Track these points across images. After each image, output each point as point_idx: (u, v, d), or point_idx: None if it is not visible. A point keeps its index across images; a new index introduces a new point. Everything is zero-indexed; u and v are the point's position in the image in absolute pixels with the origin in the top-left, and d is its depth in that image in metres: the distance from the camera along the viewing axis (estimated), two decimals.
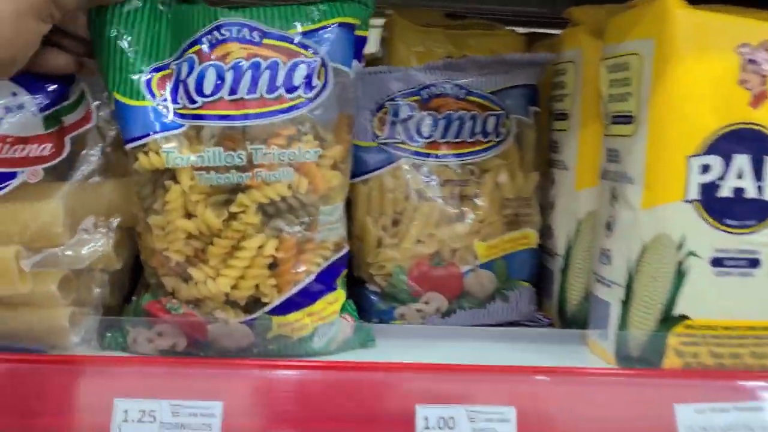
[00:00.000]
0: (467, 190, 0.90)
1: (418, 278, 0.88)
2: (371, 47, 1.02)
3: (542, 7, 1.09)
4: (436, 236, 0.89)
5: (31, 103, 0.72)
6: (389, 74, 0.87)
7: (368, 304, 0.89)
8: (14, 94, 0.72)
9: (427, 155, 0.88)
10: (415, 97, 0.88)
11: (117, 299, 0.77)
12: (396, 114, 0.88)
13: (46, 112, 0.72)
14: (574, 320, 0.91)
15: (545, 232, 0.96)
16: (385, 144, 0.88)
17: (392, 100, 0.87)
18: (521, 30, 1.02)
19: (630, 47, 0.77)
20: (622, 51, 0.78)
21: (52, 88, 0.73)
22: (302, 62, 0.69)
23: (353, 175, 0.84)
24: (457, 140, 0.89)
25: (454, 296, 0.90)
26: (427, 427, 0.70)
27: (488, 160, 0.91)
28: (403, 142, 0.88)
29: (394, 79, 0.87)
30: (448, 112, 0.88)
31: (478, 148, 0.90)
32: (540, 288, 0.96)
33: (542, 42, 1.01)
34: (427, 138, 0.88)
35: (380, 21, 1.02)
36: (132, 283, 0.79)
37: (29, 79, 0.72)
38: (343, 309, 0.77)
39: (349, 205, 0.87)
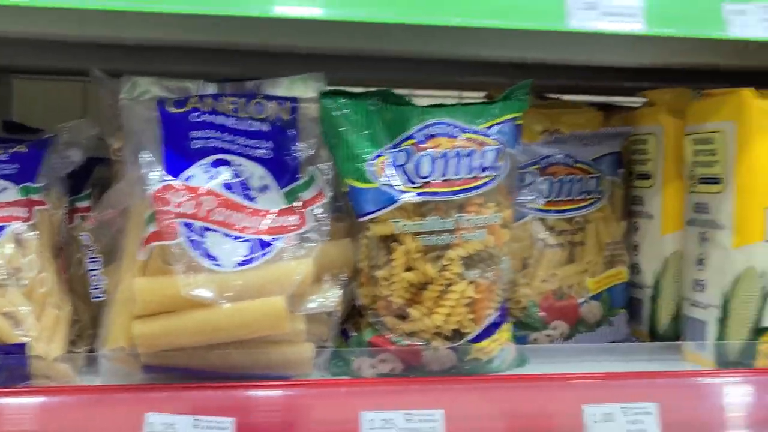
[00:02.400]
0: (576, 237, 1.13)
1: (546, 309, 1.10)
2: None
3: (614, 82, 1.34)
4: (557, 275, 1.11)
5: (274, 183, 0.93)
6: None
7: None
8: (261, 177, 0.93)
9: (548, 211, 1.11)
10: (536, 166, 1.11)
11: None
12: (522, 180, 1.11)
13: (285, 190, 0.93)
14: (664, 338, 1.14)
15: (633, 268, 1.19)
16: (517, 204, 1.10)
17: (521, 168, 1.10)
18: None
19: (714, 126, 1.02)
20: (706, 129, 1.03)
21: (285, 172, 0.94)
22: (490, 150, 0.92)
23: None
24: (568, 198, 1.13)
25: (573, 323, 1.12)
26: (594, 422, 0.91)
27: (591, 213, 1.14)
28: (529, 202, 1.11)
29: (521, 152, 1.11)
30: (561, 176, 1.12)
31: (584, 204, 1.13)
32: (631, 314, 1.19)
33: (617, 115, 1.25)
34: (547, 197, 1.11)
35: None
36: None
37: (270, 164, 0.93)
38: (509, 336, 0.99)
39: None
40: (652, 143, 1.16)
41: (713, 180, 1.03)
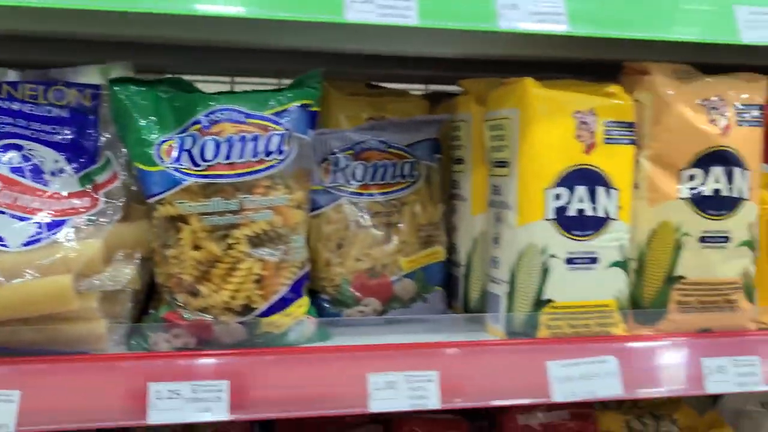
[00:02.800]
0: (392, 219, 1.19)
1: (359, 287, 1.16)
2: None
3: (438, 71, 1.41)
4: (371, 255, 1.17)
5: (69, 167, 0.96)
6: (330, 135, 1.16)
7: (322, 309, 1.16)
8: (56, 161, 0.96)
9: (361, 194, 1.17)
10: (350, 151, 1.17)
11: (136, 314, 1.02)
12: (336, 164, 1.16)
13: (80, 174, 0.97)
14: (474, 313, 1.21)
15: (451, 248, 1.26)
16: (329, 187, 1.16)
17: (333, 154, 1.16)
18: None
19: (504, 113, 1.09)
20: (498, 116, 1.10)
21: (83, 156, 0.98)
22: (276, 134, 0.97)
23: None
24: (382, 182, 1.18)
25: (385, 300, 1.18)
26: (377, 389, 0.98)
27: (406, 196, 1.20)
28: (342, 185, 1.16)
29: (333, 138, 1.16)
30: (375, 161, 1.18)
31: (398, 187, 1.19)
32: (449, 291, 1.26)
33: (443, 104, 1.32)
34: (360, 181, 1.17)
35: None
36: (144, 302, 1.04)
37: (67, 149, 0.97)
38: (308, 312, 1.05)
39: None
40: (464, 130, 1.22)
41: (503, 163, 1.10)
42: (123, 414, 0.92)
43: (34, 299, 0.90)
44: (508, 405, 1.23)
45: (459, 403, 1.01)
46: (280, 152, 0.97)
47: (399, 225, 1.20)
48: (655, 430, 1.45)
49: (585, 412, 1.38)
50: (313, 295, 1.17)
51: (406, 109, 1.27)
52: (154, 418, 0.91)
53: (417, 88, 1.54)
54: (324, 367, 0.98)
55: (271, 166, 0.97)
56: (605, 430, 1.42)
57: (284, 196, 0.98)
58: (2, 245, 0.89)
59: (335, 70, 1.36)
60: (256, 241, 0.97)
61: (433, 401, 0.99)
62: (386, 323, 1.15)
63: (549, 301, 1.06)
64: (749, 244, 1.12)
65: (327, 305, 1.16)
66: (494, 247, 1.13)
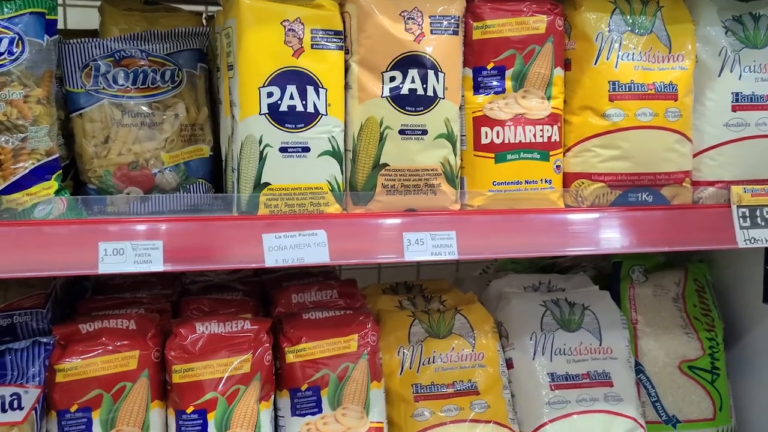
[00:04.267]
0: (155, 119, 1.37)
1: (120, 177, 1.34)
2: (94, 25, 1.49)
3: None
4: (133, 150, 1.35)
5: None
6: (90, 43, 1.32)
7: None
8: None
9: (122, 96, 1.34)
10: (110, 58, 1.33)
11: None
12: (98, 70, 1.32)
13: None
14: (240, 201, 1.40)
15: (218, 146, 1.44)
16: (92, 90, 1.32)
17: (94, 60, 1.32)
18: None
19: (229, 23, 1.26)
20: (227, 25, 1.27)
21: None
22: (4, 38, 1.13)
23: (72, 112, 1.30)
24: (143, 86, 1.35)
25: (147, 189, 1.36)
26: (106, 255, 1.17)
27: (168, 99, 1.37)
28: (104, 88, 1.33)
29: (94, 46, 1.32)
30: (135, 67, 1.34)
31: (158, 91, 1.36)
32: (219, 185, 1.44)
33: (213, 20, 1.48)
34: (121, 85, 1.34)
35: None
36: None
37: None
38: (58, 193, 1.22)
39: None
40: (218, 41, 1.39)
41: (231, 67, 1.27)
42: None
43: None
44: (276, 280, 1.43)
45: (180, 267, 1.21)
46: (11, 53, 1.14)
47: (162, 125, 1.37)
48: (424, 306, 1.67)
49: (350, 290, 1.59)
50: (83, 185, 1.35)
51: (177, 24, 1.43)
52: None
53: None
54: (59, 235, 1.17)
55: (2, 65, 1.13)
56: (379, 308, 1.64)
57: (19, 92, 1.14)
58: None
59: None
60: None
61: (157, 265, 1.19)
62: (149, 212, 1.32)
63: (267, 184, 1.25)
64: (447, 137, 1.31)
65: (93, 193, 1.34)
66: (231, 141, 1.31)
